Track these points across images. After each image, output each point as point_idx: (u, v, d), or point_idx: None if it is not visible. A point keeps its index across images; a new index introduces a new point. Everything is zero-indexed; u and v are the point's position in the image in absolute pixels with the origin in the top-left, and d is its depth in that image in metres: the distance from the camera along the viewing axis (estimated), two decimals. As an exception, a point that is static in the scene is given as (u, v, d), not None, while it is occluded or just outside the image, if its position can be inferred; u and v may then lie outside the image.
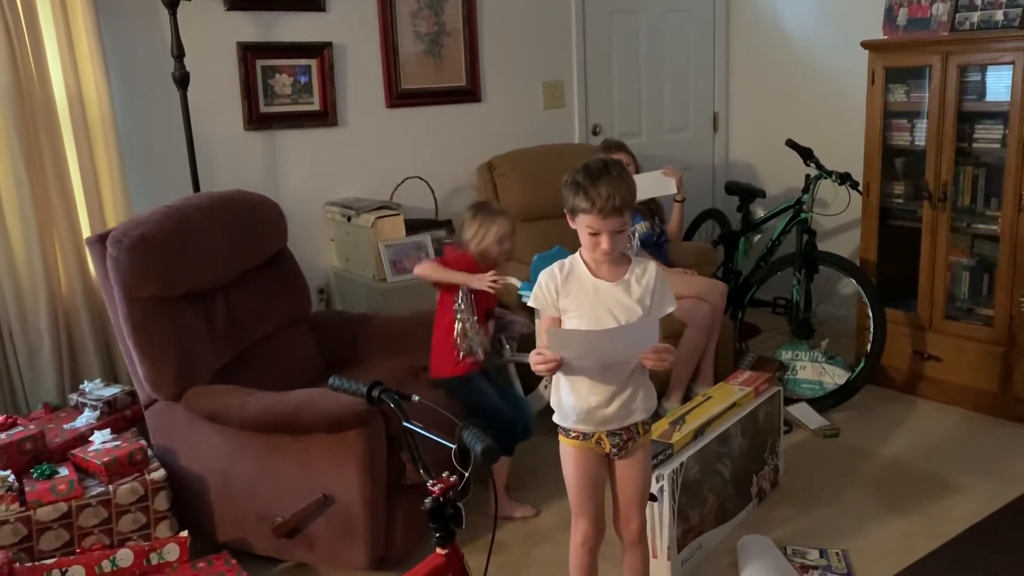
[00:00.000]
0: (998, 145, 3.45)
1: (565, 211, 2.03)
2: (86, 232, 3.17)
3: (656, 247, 3.84)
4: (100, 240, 2.61)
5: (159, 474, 2.59)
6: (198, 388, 2.62)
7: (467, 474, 1.61)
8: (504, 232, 2.89)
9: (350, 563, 2.57)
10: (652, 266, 2.08)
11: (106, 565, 2.41)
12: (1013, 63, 3.27)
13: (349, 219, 3.66)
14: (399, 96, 3.97)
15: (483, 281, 2.82)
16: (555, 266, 2.07)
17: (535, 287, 2.07)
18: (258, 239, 3.05)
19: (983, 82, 3.47)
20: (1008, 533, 2.01)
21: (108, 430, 2.71)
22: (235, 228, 2.90)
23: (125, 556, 2.44)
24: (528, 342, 3.22)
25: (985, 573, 1.86)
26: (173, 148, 3.37)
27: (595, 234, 1.96)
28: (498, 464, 2.67)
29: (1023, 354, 3.39)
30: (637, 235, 3.70)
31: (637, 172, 3.95)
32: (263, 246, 3.08)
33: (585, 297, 2.02)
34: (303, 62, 3.71)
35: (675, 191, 3.75)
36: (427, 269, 2.91)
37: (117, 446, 2.61)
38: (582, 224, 1.98)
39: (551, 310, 2.05)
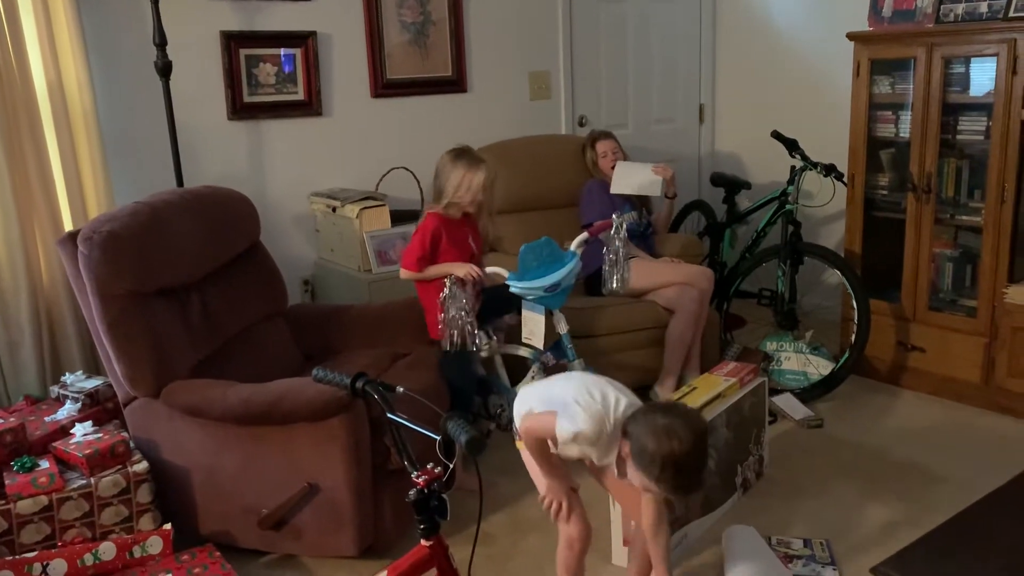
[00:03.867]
0: (982, 137, 3.46)
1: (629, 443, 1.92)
2: (68, 225, 3.14)
3: (642, 238, 3.84)
4: (71, 239, 2.59)
5: (141, 466, 2.57)
6: (177, 383, 2.61)
7: (451, 465, 1.61)
8: (488, 181, 2.98)
9: (339, 551, 2.56)
10: None
11: (88, 558, 2.39)
12: (997, 55, 3.28)
13: (334, 210, 3.64)
14: (384, 86, 3.95)
15: (465, 269, 2.84)
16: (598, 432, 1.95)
17: (586, 421, 1.94)
18: (231, 234, 3.03)
19: (967, 74, 3.48)
20: (990, 522, 2.02)
21: (90, 422, 2.69)
22: (207, 223, 2.89)
23: (107, 549, 2.42)
24: (515, 333, 3.22)
25: (968, 562, 1.87)
26: (156, 139, 3.34)
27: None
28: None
29: (1006, 345, 3.41)
30: (624, 225, 3.69)
31: (625, 160, 3.97)
32: (236, 241, 3.07)
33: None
34: (287, 51, 3.68)
35: (659, 194, 3.76)
36: (412, 273, 2.98)
37: (99, 438, 2.59)
38: (638, 475, 1.90)
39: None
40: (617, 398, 2.00)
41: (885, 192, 3.86)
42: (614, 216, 2.92)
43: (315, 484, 2.49)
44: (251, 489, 2.56)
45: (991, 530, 1.99)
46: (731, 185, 4.56)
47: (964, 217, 3.60)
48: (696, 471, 1.88)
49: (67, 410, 2.85)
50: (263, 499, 2.53)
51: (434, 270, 2.97)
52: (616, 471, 2.01)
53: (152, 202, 2.76)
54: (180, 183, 3.30)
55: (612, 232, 2.89)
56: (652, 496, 2.06)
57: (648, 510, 2.11)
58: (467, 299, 2.77)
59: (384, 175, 3.92)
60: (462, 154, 3.04)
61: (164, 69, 3.20)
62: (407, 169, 3.95)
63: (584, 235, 2.99)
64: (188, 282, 2.81)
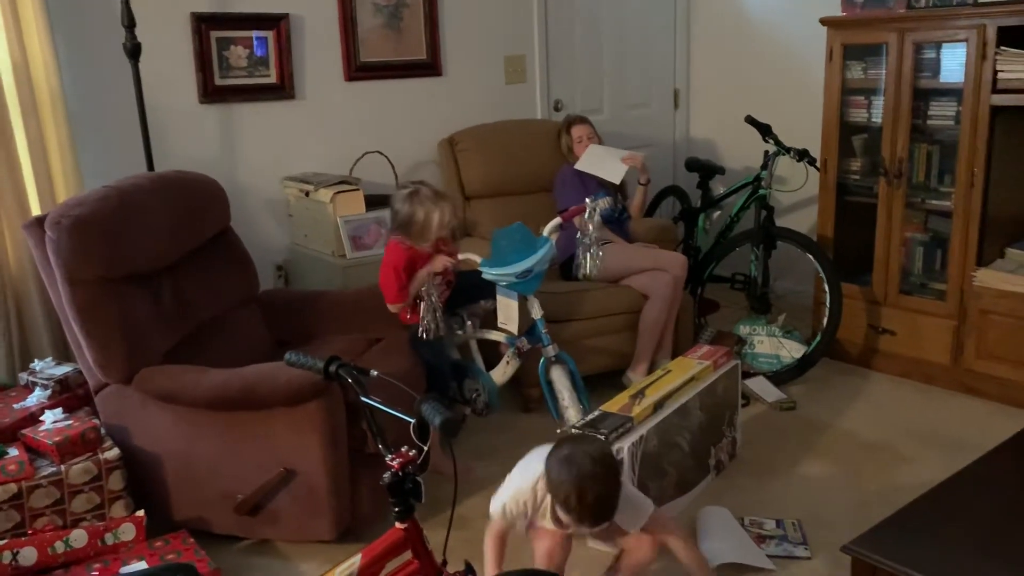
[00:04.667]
0: (952, 122, 3.50)
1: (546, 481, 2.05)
2: (35, 210, 3.09)
3: (617, 223, 3.84)
4: (38, 223, 2.55)
5: (113, 453, 2.54)
6: (149, 370, 2.58)
7: (426, 448, 1.61)
8: (450, 215, 2.90)
9: (316, 536, 2.56)
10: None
11: (59, 546, 2.37)
12: (967, 40, 3.31)
13: (307, 194, 3.61)
14: (358, 69, 3.92)
15: (443, 261, 2.84)
16: (525, 500, 2.13)
17: (503, 501, 2.15)
18: (200, 219, 3.00)
19: (938, 59, 3.51)
20: (958, 500, 2.06)
21: (60, 409, 2.66)
22: (176, 208, 2.85)
23: (79, 537, 2.40)
24: (490, 319, 3.22)
25: (936, 539, 1.91)
26: (126, 122, 3.28)
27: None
28: None
29: (974, 327, 3.46)
30: (599, 211, 3.70)
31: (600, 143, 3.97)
32: (206, 226, 3.03)
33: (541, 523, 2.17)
34: (259, 34, 3.63)
35: (617, 182, 3.77)
36: (400, 303, 2.95)
37: (69, 425, 2.56)
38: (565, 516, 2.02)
39: (505, 522, 2.16)
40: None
41: (857, 177, 3.89)
42: (587, 201, 2.92)
43: (291, 469, 2.48)
44: (226, 475, 2.54)
45: (959, 508, 2.02)
46: (705, 170, 4.57)
47: (934, 202, 3.64)
48: (601, 497, 1.95)
49: (36, 397, 2.81)
50: (238, 485, 2.52)
51: (414, 288, 2.95)
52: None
53: (121, 186, 2.72)
54: (150, 167, 3.26)
55: (585, 217, 2.89)
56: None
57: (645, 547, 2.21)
58: (435, 286, 2.80)
59: (358, 159, 3.89)
60: (416, 195, 2.90)
61: (133, 51, 3.15)
62: (381, 153, 3.92)
63: (557, 220, 2.99)
64: (158, 267, 2.78)
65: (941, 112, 3.55)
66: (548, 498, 2.09)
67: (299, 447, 2.47)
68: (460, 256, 3.03)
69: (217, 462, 2.55)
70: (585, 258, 2.90)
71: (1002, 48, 3.22)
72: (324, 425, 2.45)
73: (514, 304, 2.97)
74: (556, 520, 2.10)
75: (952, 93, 3.46)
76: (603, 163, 3.80)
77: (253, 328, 3.10)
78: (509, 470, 3.05)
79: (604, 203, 3.71)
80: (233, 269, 3.11)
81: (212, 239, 3.07)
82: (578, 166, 3.81)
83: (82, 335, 2.55)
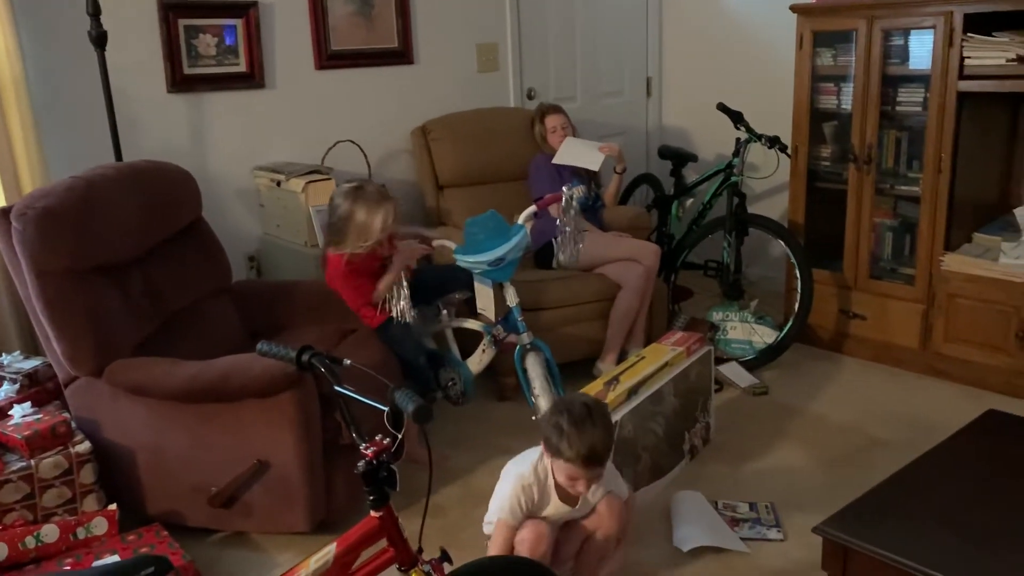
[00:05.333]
0: (920, 108, 3.54)
1: (542, 441, 2.09)
2: (0, 200, 3.03)
3: (592, 211, 3.85)
4: (4, 215, 2.50)
5: (84, 447, 2.52)
6: (120, 362, 2.55)
7: (400, 436, 1.60)
8: (393, 218, 2.79)
9: (290, 528, 2.55)
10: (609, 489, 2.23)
11: (30, 541, 2.34)
12: (934, 27, 3.34)
13: (279, 184, 3.58)
14: (329, 58, 3.88)
15: (416, 254, 2.84)
16: (530, 483, 2.14)
17: (509, 499, 2.14)
18: (171, 209, 2.96)
19: (906, 46, 3.55)
20: (924, 481, 2.09)
21: (28, 403, 2.62)
22: (146, 198, 2.81)
23: (50, 531, 2.38)
24: (465, 307, 3.22)
25: (903, 518, 1.94)
26: (92, 112, 3.23)
27: (574, 477, 2.05)
28: None
29: (942, 311, 3.51)
30: (575, 199, 3.71)
31: (574, 135, 3.97)
32: (177, 216, 3.00)
33: (545, 510, 2.19)
34: (228, 22, 3.59)
35: (596, 169, 3.77)
36: (374, 311, 2.91)
37: (38, 419, 2.53)
38: (562, 468, 2.06)
39: (517, 519, 2.14)
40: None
41: (827, 163, 3.93)
42: (564, 189, 2.92)
43: (265, 461, 2.47)
44: (199, 467, 2.53)
45: (926, 488, 2.06)
46: (678, 158, 4.59)
47: (903, 187, 3.68)
48: (595, 434, 2.01)
49: (4, 391, 2.77)
50: (211, 477, 2.51)
51: (383, 287, 2.92)
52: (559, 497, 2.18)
53: (89, 176, 2.68)
54: (119, 158, 3.21)
55: (563, 205, 2.89)
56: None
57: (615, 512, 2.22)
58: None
59: (330, 148, 3.86)
60: (360, 193, 2.80)
61: (99, 39, 3.09)
62: (353, 142, 3.89)
63: (532, 208, 2.99)
64: (128, 259, 2.74)
65: (909, 98, 3.59)
66: (551, 477, 2.13)
67: (272, 439, 2.46)
68: (436, 243, 3.02)
69: (189, 454, 2.53)
70: (565, 247, 2.90)
71: (969, 35, 3.26)
72: (297, 417, 2.44)
73: (489, 291, 2.97)
74: (559, 490, 2.15)
75: (920, 79, 3.50)
76: (581, 153, 3.80)
77: (226, 319, 3.07)
78: (485, 458, 3.07)
79: (578, 191, 3.72)
80: (205, 260, 3.08)
81: (184, 229, 3.03)
82: (556, 160, 3.81)
83: (51, 328, 2.51)
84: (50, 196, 2.51)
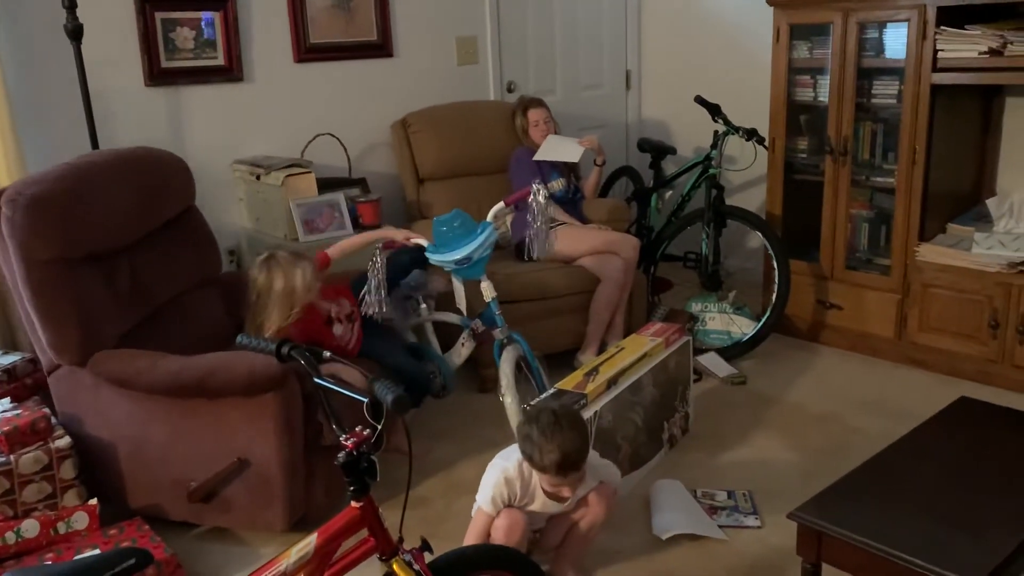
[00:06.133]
0: (895, 100, 3.58)
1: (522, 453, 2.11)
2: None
3: (571, 204, 3.87)
4: None
5: (64, 442, 2.51)
6: (104, 352, 2.54)
7: (380, 427, 1.61)
8: (312, 276, 2.66)
9: (268, 525, 2.55)
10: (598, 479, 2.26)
11: (10, 537, 2.34)
12: (908, 20, 3.38)
13: (258, 177, 3.57)
14: (308, 50, 3.87)
15: (401, 234, 2.85)
16: (513, 478, 2.15)
17: (491, 490, 2.15)
18: (164, 197, 2.94)
19: (881, 39, 3.59)
20: (898, 467, 2.13)
21: (8, 399, 2.62)
22: (139, 186, 2.79)
23: (30, 527, 2.37)
24: (444, 301, 3.23)
25: (877, 503, 1.98)
26: (69, 105, 3.21)
27: (555, 485, 2.08)
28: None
29: (917, 301, 3.56)
30: (542, 192, 3.72)
31: (556, 131, 3.98)
32: (169, 205, 2.98)
33: (532, 506, 2.20)
34: (206, 15, 3.57)
35: (577, 160, 3.79)
36: (345, 245, 2.94)
37: (18, 415, 2.52)
38: (542, 477, 2.09)
39: (497, 510, 2.16)
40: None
41: (804, 155, 3.97)
42: (533, 184, 2.93)
43: (245, 459, 2.46)
44: (180, 461, 2.52)
45: (899, 474, 2.10)
46: (657, 151, 4.62)
47: (878, 179, 3.72)
48: (567, 444, 2.02)
49: (-17, 387, 2.76)
50: (192, 471, 2.50)
51: (349, 243, 2.95)
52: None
53: (80, 164, 2.66)
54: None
55: (531, 199, 2.89)
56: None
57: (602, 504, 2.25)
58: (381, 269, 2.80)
59: (309, 142, 3.86)
60: (272, 261, 2.65)
61: (75, 32, 3.07)
62: (333, 135, 3.89)
63: (500, 204, 2.98)
64: (118, 247, 2.72)
65: (884, 91, 3.63)
66: (535, 476, 2.14)
67: (254, 437, 2.45)
68: (412, 241, 3.03)
69: (170, 448, 2.52)
70: (535, 241, 2.91)
71: (942, 27, 3.30)
72: (280, 416, 2.44)
73: (461, 287, 3.00)
74: (546, 493, 2.16)
75: (895, 72, 3.54)
76: (561, 148, 3.82)
77: (213, 311, 3.05)
78: (466, 450, 3.08)
79: (557, 184, 3.74)
80: (194, 250, 3.05)
81: (175, 218, 3.01)
82: (537, 157, 3.82)
83: (36, 315, 2.49)
84: (41, 183, 2.49)
